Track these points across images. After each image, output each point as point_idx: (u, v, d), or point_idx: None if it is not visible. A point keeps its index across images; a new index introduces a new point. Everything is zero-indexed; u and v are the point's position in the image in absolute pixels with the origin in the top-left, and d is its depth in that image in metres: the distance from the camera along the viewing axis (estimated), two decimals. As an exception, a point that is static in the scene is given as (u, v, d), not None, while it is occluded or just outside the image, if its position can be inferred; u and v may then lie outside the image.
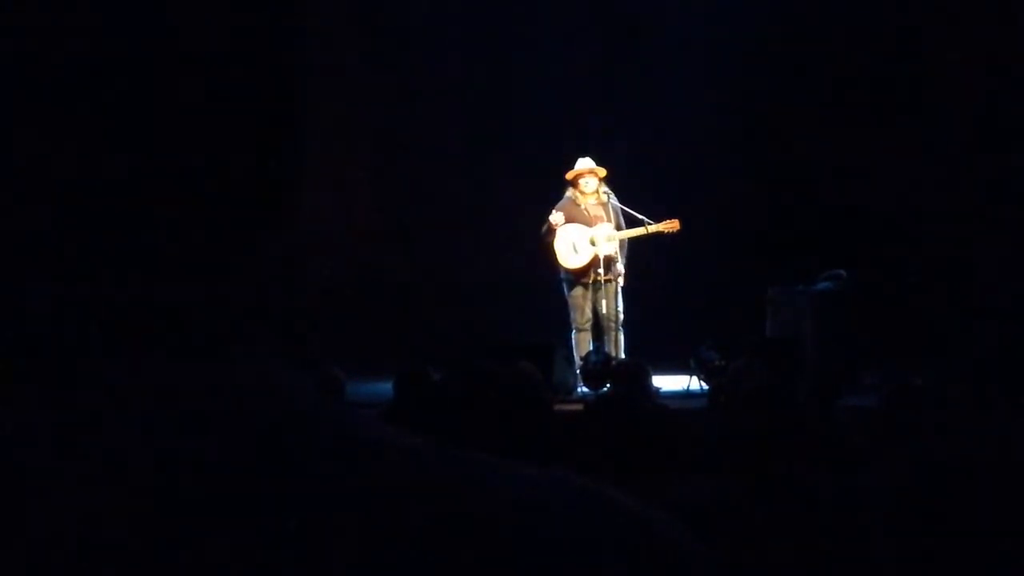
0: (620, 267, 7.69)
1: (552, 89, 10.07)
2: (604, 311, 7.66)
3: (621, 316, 7.71)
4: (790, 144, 9.77)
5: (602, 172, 7.76)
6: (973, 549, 1.87)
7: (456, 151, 10.14)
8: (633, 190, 8.11)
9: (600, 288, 7.66)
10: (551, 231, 7.64)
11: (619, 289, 7.71)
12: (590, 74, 10.21)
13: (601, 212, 7.70)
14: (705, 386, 6.98)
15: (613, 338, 7.68)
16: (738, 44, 9.65)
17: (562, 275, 7.79)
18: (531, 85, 10.11)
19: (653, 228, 7.68)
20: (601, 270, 7.60)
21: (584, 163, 7.77)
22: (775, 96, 9.78)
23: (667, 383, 7.41)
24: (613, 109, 9.97)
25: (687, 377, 7.45)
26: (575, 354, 7.65)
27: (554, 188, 7.97)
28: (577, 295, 7.75)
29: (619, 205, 7.77)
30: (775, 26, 9.68)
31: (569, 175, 7.79)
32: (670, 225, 7.69)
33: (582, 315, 7.75)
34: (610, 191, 7.77)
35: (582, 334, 7.74)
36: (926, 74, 9.21)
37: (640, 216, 7.73)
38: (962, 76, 9.04)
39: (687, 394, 7.26)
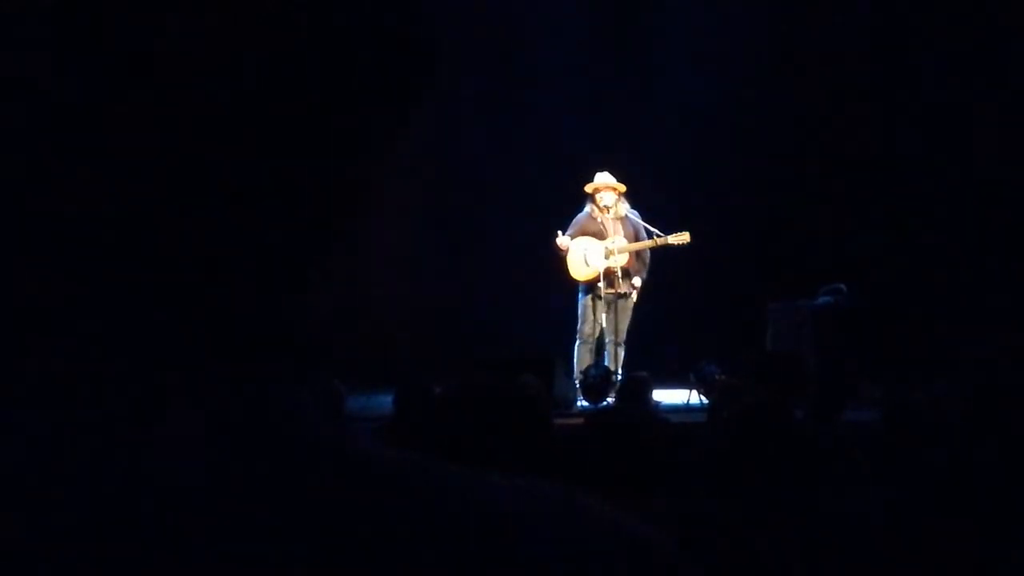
0: (637, 281, 7.73)
1: (555, 104, 10.08)
2: (609, 325, 7.69)
3: (624, 333, 7.75)
4: (791, 157, 9.78)
5: (621, 188, 7.81)
6: (972, 563, 1.87)
7: (456, 162, 10.15)
8: (634, 205, 8.13)
9: (613, 302, 7.70)
10: (561, 250, 7.70)
11: (631, 305, 7.74)
12: (594, 90, 10.22)
13: (619, 227, 7.75)
14: (705, 400, 6.97)
15: (613, 353, 7.70)
16: (739, 62, 9.67)
17: (580, 286, 7.83)
18: (535, 100, 10.12)
19: (662, 240, 7.71)
20: (602, 284, 7.64)
21: (603, 178, 7.82)
22: (776, 110, 9.79)
23: (667, 397, 7.40)
24: (614, 125, 9.98)
25: (687, 391, 7.44)
26: (575, 367, 7.65)
27: (556, 201, 7.99)
28: (587, 307, 7.78)
29: (640, 222, 7.80)
30: (775, 44, 9.70)
31: (588, 187, 7.84)
32: (680, 237, 7.71)
33: (589, 327, 7.77)
34: (630, 207, 7.83)
35: (585, 346, 7.76)
36: (931, 86, 9.23)
37: (652, 229, 7.76)
38: (966, 89, 9.06)
39: (687, 408, 7.24)
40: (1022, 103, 8.72)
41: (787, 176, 9.76)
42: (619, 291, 7.67)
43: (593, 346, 7.77)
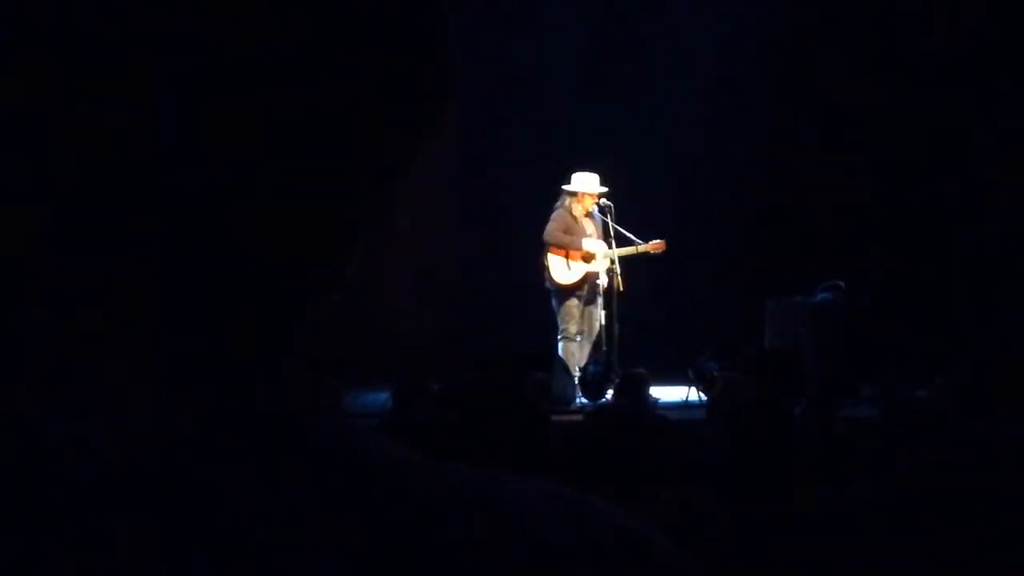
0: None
1: (551, 103, 10.07)
2: (594, 322, 7.79)
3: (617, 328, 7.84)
4: (790, 155, 9.78)
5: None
6: (971, 560, 1.87)
7: (457, 160, 10.14)
8: (633, 202, 8.14)
9: (593, 300, 7.80)
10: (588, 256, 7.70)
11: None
12: (588, 86, 10.22)
13: (592, 228, 7.83)
14: (704, 397, 6.97)
15: (613, 351, 7.78)
16: (734, 59, 9.67)
17: (549, 285, 7.88)
18: (530, 100, 10.11)
19: (642, 248, 7.80)
20: (602, 281, 7.74)
21: (597, 186, 7.83)
22: (775, 106, 9.80)
23: (665, 394, 7.41)
24: (611, 120, 9.98)
25: (685, 388, 7.44)
26: (569, 365, 7.68)
27: (557, 198, 8.01)
28: (571, 306, 7.84)
29: (605, 219, 7.85)
30: (771, 42, 9.70)
31: (579, 191, 7.83)
32: (657, 246, 7.80)
33: (576, 325, 7.83)
34: (601, 205, 7.88)
35: (572, 344, 7.80)
36: (923, 85, 9.23)
37: (629, 235, 7.84)
38: (958, 88, 9.07)
39: (686, 405, 7.24)
40: (1023, 101, 8.72)
41: (787, 172, 9.76)
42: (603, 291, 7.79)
43: (581, 343, 7.83)
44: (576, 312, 7.83)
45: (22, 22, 0.40)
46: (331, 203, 0.45)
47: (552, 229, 7.80)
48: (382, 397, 6.58)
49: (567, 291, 7.83)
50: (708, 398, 6.47)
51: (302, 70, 0.42)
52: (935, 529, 1.83)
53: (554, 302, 7.91)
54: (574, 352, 7.77)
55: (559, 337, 7.85)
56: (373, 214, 0.47)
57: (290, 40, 0.42)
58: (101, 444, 0.40)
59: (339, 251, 0.46)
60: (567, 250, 7.76)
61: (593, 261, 7.78)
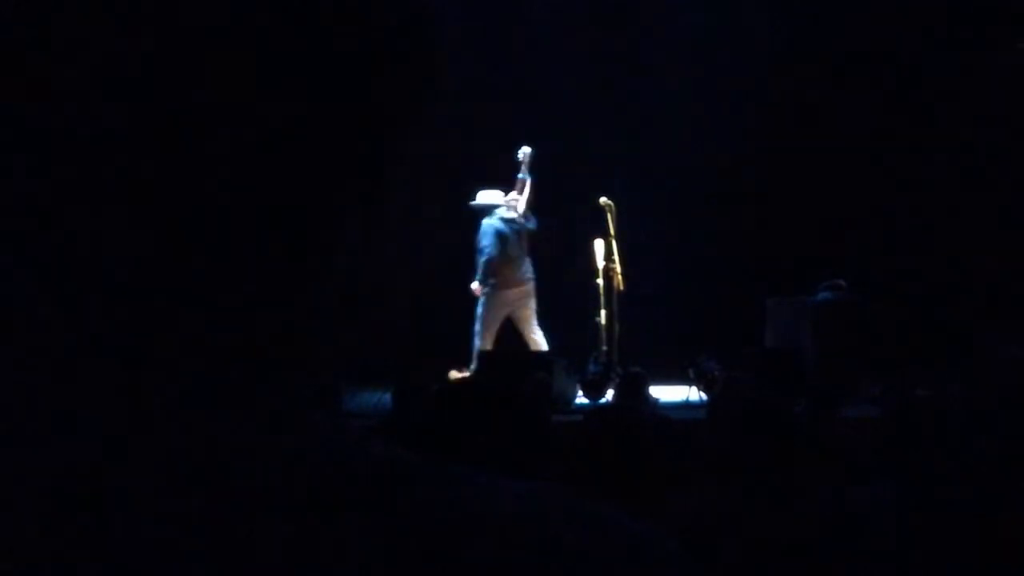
0: None
1: (550, 103, 10.06)
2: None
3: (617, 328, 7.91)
4: (791, 152, 9.77)
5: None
6: (975, 559, 1.87)
7: (459, 157, 10.13)
8: (634, 199, 8.13)
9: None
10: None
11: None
12: (592, 81, 10.21)
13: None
14: (704, 396, 6.97)
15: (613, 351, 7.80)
16: (737, 57, 9.67)
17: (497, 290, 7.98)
18: (530, 100, 10.09)
19: None
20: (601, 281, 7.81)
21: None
22: (777, 104, 9.79)
23: (665, 394, 7.40)
24: (610, 121, 9.97)
25: (686, 388, 7.44)
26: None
27: (562, 198, 8.03)
28: None
29: None
30: (771, 41, 9.70)
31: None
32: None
33: None
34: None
35: None
36: (926, 82, 9.23)
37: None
38: (964, 85, 9.07)
39: (687, 404, 7.24)
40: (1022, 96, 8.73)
41: (787, 171, 9.75)
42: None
43: None
44: None
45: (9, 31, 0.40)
46: (325, 203, 0.45)
47: None
48: (380, 397, 6.59)
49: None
50: (708, 398, 6.47)
51: (288, 69, 0.42)
52: (936, 530, 1.83)
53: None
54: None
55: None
56: (368, 213, 0.47)
57: (279, 40, 0.42)
58: (103, 447, 0.40)
59: (336, 250, 0.46)
60: None
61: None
